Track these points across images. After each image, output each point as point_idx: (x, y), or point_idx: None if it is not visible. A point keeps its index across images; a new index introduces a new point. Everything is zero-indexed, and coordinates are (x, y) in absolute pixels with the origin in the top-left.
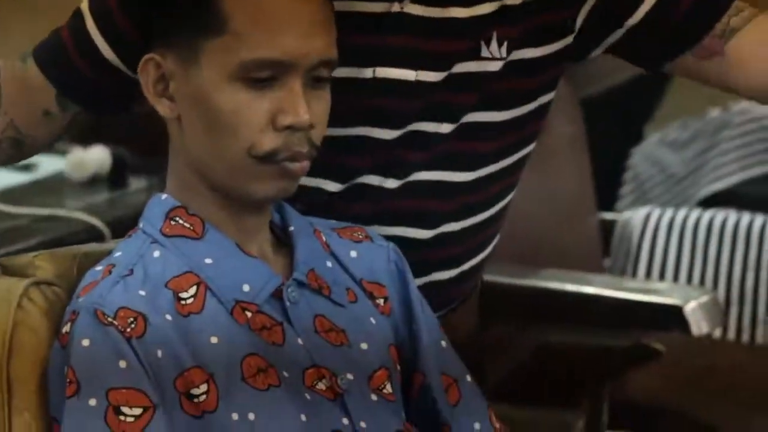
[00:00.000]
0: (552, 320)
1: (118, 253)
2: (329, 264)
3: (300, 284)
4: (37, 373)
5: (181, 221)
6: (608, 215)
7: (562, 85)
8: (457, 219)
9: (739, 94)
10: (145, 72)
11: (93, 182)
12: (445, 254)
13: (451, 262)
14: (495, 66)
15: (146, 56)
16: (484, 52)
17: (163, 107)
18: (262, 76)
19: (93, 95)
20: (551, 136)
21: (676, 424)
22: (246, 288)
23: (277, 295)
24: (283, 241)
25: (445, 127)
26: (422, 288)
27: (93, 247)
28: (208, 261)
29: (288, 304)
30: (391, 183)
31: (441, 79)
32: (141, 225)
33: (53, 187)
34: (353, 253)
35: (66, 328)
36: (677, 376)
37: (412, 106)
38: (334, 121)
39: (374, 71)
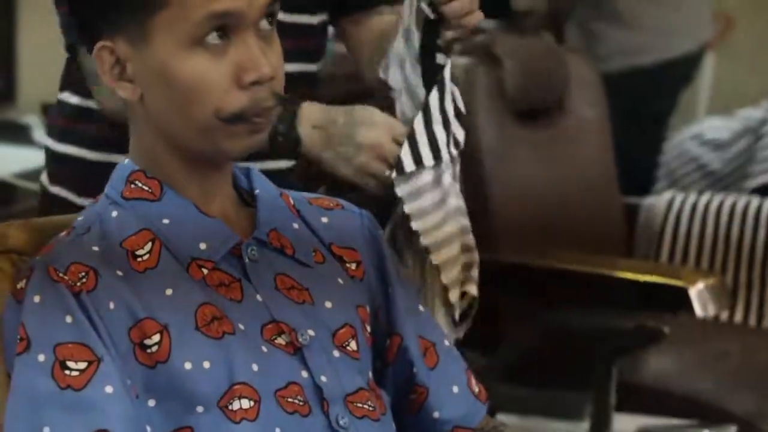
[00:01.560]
0: (560, 300)
1: (80, 217)
2: (296, 225)
3: (261, 243)
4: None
5: (140, 184)
6: (632, 199)
7: (585, 68)
8: None
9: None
10: (100, 60)
11: None
12: None
13: None
14: None
15: (98, 44)
16: None
17: (124, 90)
18: (214, 35)
19: None
20: (574, 119)
21: (685, 406)
22: (203, 246)
23: (237, 253)
24: (249, 204)
25: None
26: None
27: (68, 217)
28: (165, 221)
29: (247, 261)
30: None
31: None
32: (106, 189)
33: None
34: (324, 219)
35: (21, 284)
36: (687, 359)
37: None
38: None
39: None
